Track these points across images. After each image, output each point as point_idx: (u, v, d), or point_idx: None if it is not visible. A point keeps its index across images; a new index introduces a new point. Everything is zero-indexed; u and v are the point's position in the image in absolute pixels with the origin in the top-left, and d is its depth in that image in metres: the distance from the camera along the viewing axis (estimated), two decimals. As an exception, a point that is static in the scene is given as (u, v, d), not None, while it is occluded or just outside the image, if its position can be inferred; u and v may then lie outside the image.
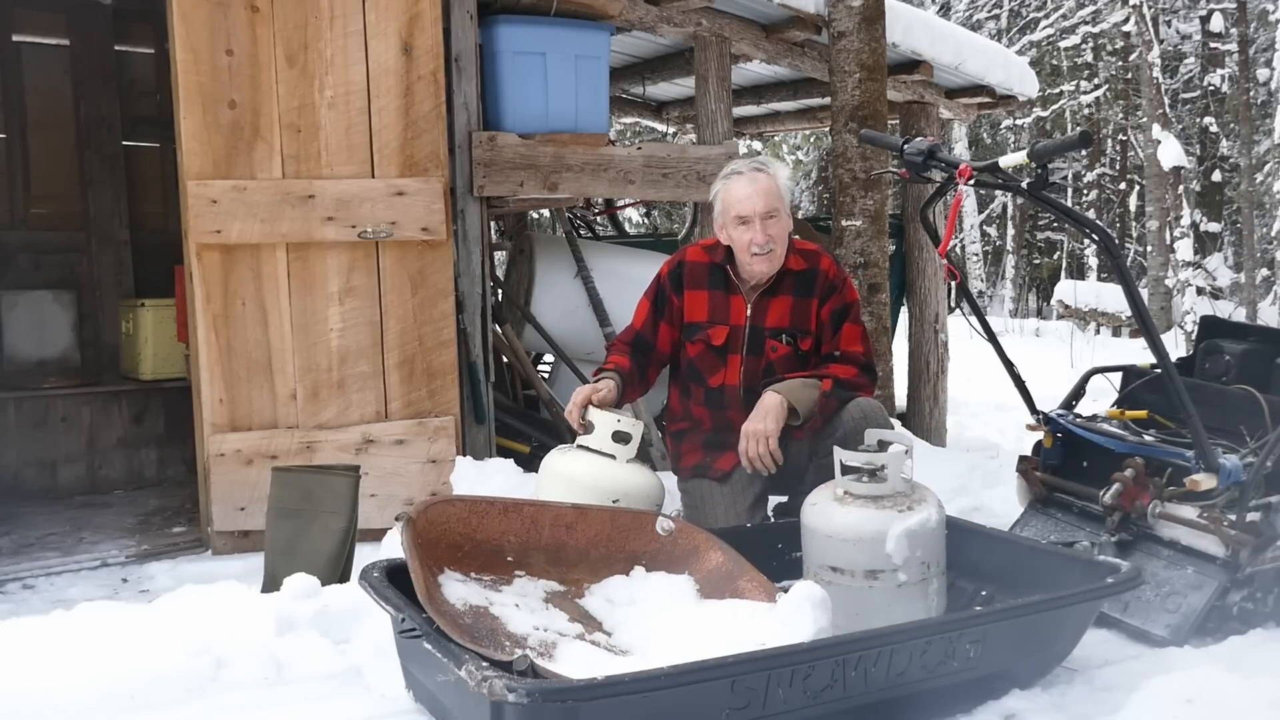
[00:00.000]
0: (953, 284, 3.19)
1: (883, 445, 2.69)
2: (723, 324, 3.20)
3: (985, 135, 24.01)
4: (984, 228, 23.94)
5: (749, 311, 3.18)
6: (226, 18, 3.78)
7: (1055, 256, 25.14)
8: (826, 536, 2.60)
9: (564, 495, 2.84)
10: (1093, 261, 21.95)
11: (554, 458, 3.09)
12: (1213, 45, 19.47)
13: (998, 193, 16.02)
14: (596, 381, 3.12)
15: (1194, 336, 4.69)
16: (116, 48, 5.74)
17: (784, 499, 3.30)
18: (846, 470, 2.62)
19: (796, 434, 3.04)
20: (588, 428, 2.99)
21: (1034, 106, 20.65)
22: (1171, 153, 14.40)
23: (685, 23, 4.89)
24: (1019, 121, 22.09)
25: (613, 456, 2.97)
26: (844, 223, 4.91)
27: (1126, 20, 17.96)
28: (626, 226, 9.15)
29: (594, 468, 2.96)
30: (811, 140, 21.79)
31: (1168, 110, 15.06)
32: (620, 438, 2.98)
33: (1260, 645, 2.65)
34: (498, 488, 3.63)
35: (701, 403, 3.24)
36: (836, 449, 2.65)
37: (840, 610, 2.40)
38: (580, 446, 3.03)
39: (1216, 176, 19.88)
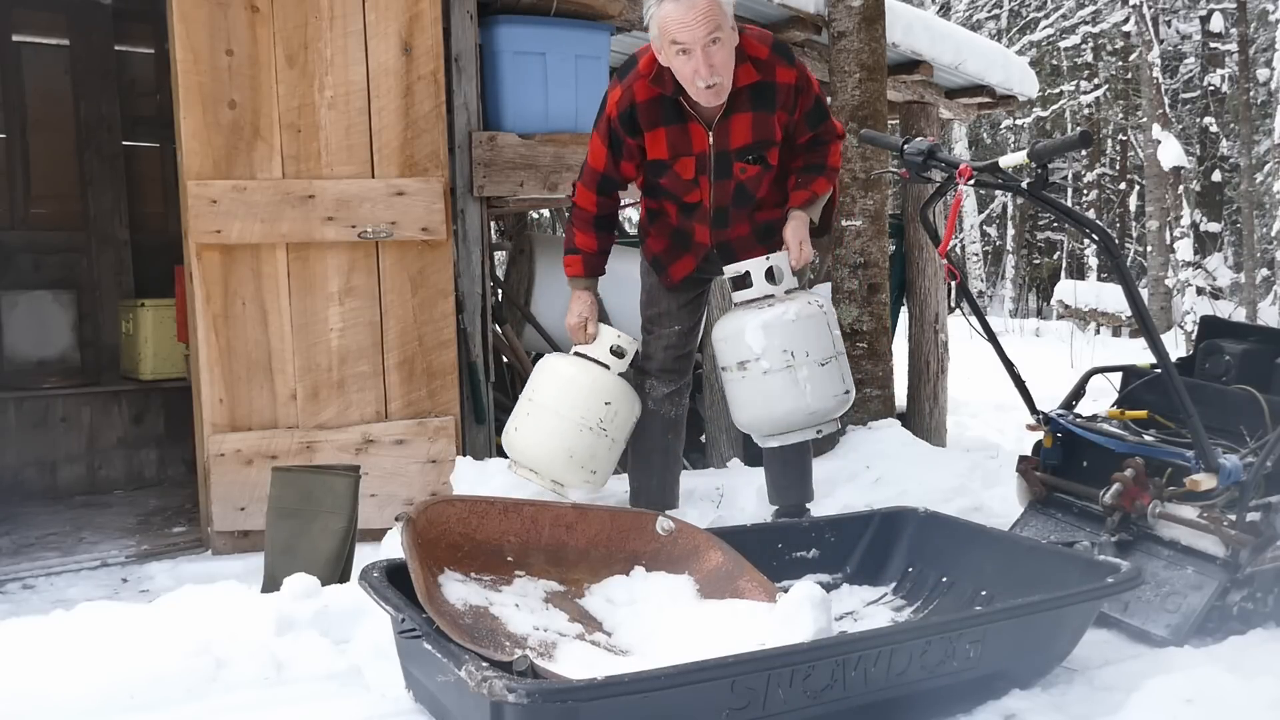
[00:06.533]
0: (953, 284, 3.19)
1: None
2: (687, 155, 3.13)
3: (985, 135, 24.02)
4: (984, 228, 23.95)
5: (710, 139, 3.09)
6: (226, 18, 3.78)
7: (1055, 256, 25.14)
8: (715, 342, 3.19)
9: (558, 393, 3.23)
10: (1093, 261, 21.96)
11: (553, 359, 3.38)
12: (1213, 45, 19.48)
13: (998, 193, 16.02)
14: (577, 279, 3.36)
15: (1194, 336, 4.69)
16: (116, 48, 5.75)
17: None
18: (733, 285, 3.15)
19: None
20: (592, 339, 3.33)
21: (1034, 106, 20.67)
22: (1171, 153, 14.41)
23: (685, 23, 4.88)
24: (1019, 121, 22.09)
25: (607, 366, 3.28)
26: (844, 223, 4.91)
27: (1126, 20, 17.98)
28: (626, 226, 9.15)
29: (590, 372, 3.26)
30: (811, 140, 21.77)
31: (1168, 110, 15.07)
32: (617, 352, 3.30)
33: (1260, 645, 2.65)
34: (498, 488, 3.62)
35: (676, 207, 3.29)
36: (725, 268, 3.16)
37: (732, 404, 3.15)
38: (578, 354, 3.31)
39: (1216, 176, 19.89)
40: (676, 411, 3.51)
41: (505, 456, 3.80)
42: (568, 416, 3.23)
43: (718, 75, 2.92)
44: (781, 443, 3.20)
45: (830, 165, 3.23)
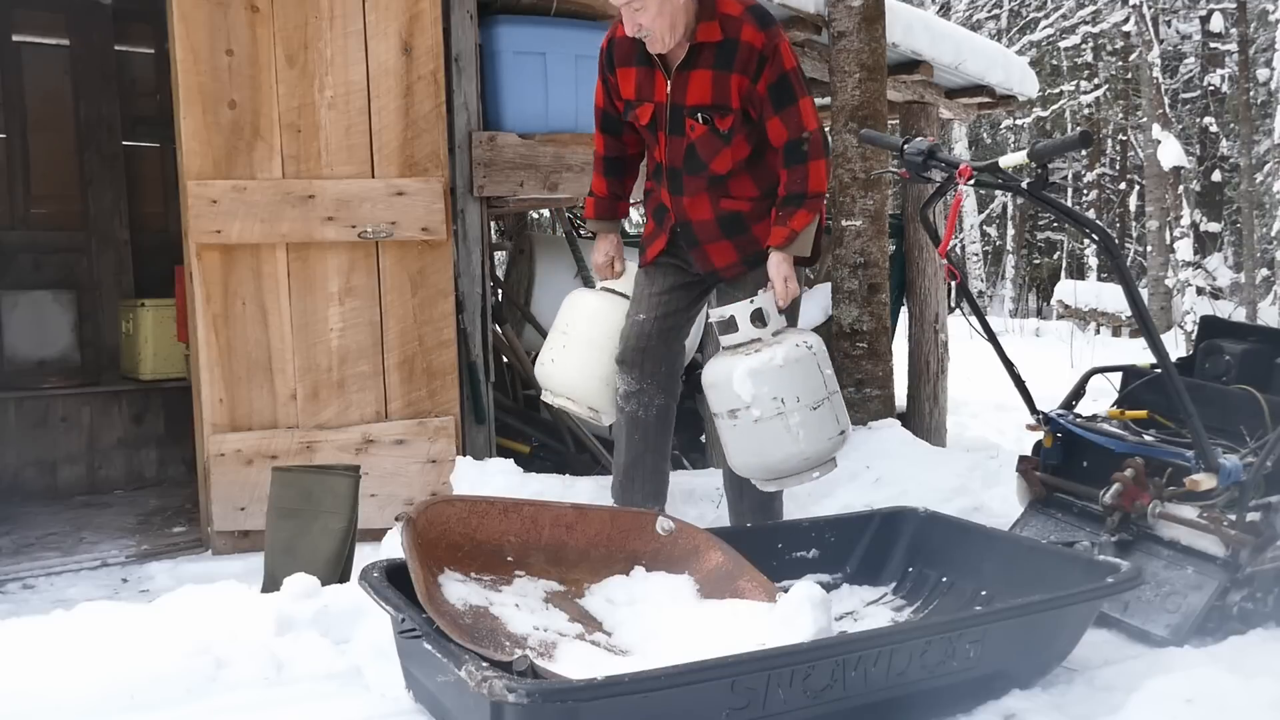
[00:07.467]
0: (953, 284, 3.17)
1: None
2: (648, 101, 3.12)
3: (985, 135, 24.02)
4: (984, 228, 23.94)
5: (669, 88, 3.07)
6: (226, 18, 3.78)
7: (1055, 256, 25.15)
8: (705, 388, 3.03)
9: (591, 325, 3.34)
10: (1093, 261, 21.97)
11: (583, 294, 3.48)
12: (1213, 45, 19.48)
13: (998, 193, 16.03)
14: (590, 222, 3.43)
15: (1194, 336, 4.69)
16: (116, 48, 5.74)
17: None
18: (719, 330, 3.00)
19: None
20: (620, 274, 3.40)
21: (1034, 106, 20.66)
22: (1171, 153, 14.41)
23: (685, 23, 4.87)
24: (1019, 121, 22.09)
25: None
26: (844, 223, 4.91)
27: (1126, 20, 17.97)
28: (626, 226, 9.14)
29: (620, 305, 3.33)
30: (811, 140, 21.74)
31: (1168, 110, 15.07)
32: None
33: (1260, 645, 2.65)
34: (498, 488, 3.63)
35: (651, 172, 3.28)
36: (709, 310, 3.08)
37: (727, 450, 3.00)
38: (605, 289, 3.40)
39: (1216, 176, 19.89)
40: (645, 413, 3.28)
41: (505, 456, 3.80)
42: (604, 347, 3.31)
43: (644, 31, 2.95)
44: (779, 487, 3.09)
45: (811, 193, 3.03)
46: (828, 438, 2.97)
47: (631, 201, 3.74)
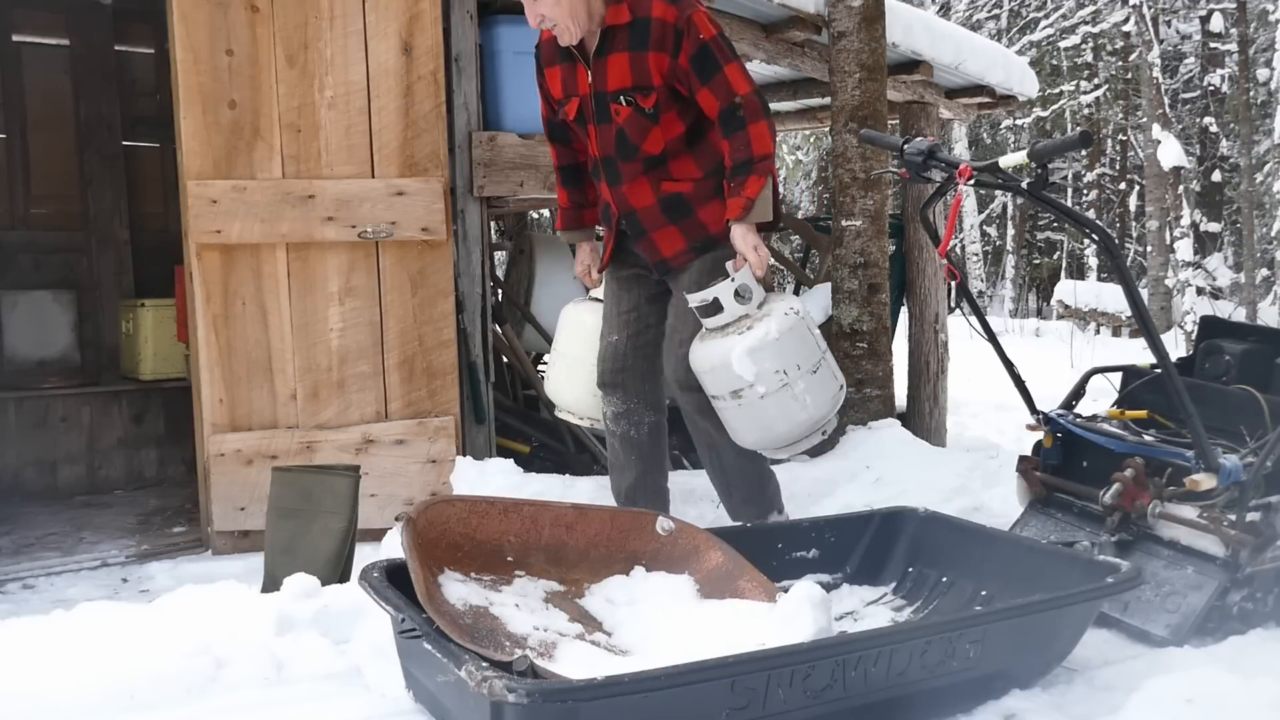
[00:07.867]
0: (953, 284, 3.17)
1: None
2: (574, 95, 3.12)
3: (985, 135, 24.03)
4: (984, 228, 23.95)
5: (590, 78, 3.05)
6: (226, 18, 3.78)
7: (1055, 256, 25.15)
8: (699, 374, 3.01)
9: (572, 339, 3.39)
10: (1093, 261, 21.97)
11: (572, 307, 3.49)
12: (1213, 45, 19.49)
13: (998, 193, 16.03)
14: (560, 234, 3.48)
15: (1194, 336, 4.69)
16: (116, 48, 5.75)
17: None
18: (703, 313, 2.97)
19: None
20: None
21: (1034, 106, 20.66)
22: (1171, 153, 14.41)
23: (685, 23, 4.87)
24: (1019, 121, 22.10)
25: None
26: (844, 223, 4.91)
27: (1126, 20, 17.98)
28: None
29: (599, 315, 3.31)
30: (811, 140, 21.77)
31: (1168, 110, 15.07)
32: None
33: (1260, 645, 2.65)
34: (498, 488, 3.63)
35: (591, 171, 3.27)
36: (686, 295, 3.02)
37: (734, 429, 3.00)
38: (593, 299, 3.42)
39: (1216, 176, 19.90)
40: (637, 432, 3.26)
41: (505, 456, 3.81)
42: (585, 359, 3.33)
43: (547, 21, 2.97)
44: (790, 454, 3.11)
45: (758, 155, 2.96)
46: (831, 396, 3.03)
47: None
